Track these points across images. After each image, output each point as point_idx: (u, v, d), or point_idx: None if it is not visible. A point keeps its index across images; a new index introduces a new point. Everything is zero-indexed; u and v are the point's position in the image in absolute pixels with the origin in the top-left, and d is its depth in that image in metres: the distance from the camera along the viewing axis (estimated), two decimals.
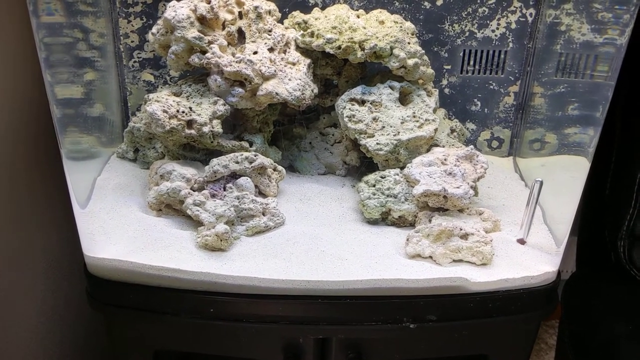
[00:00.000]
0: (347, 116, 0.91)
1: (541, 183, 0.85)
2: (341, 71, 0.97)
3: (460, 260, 0.83)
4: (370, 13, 0.95)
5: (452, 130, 0.99)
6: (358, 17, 0.95)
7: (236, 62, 0.84)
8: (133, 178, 0.90)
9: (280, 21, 0.94)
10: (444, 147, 0.95)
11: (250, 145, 0.90)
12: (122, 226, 0.83)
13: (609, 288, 1.18)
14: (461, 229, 0.83)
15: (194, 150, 0.88)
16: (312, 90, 0.91)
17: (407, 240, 0.84)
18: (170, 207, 0.84)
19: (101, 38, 0.96)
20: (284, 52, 0.91)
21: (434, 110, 0.94)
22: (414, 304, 0.80)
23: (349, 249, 0.83)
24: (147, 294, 0.79)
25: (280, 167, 0.90)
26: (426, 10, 1.03)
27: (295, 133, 1.00)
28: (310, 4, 1.01)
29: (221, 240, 0.79)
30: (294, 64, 0.91)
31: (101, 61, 0.97)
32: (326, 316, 0.81)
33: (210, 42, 0.83)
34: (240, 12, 0.88)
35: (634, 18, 0.80)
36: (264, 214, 0.84)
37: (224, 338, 0.84)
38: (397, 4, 1.03)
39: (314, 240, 0.84)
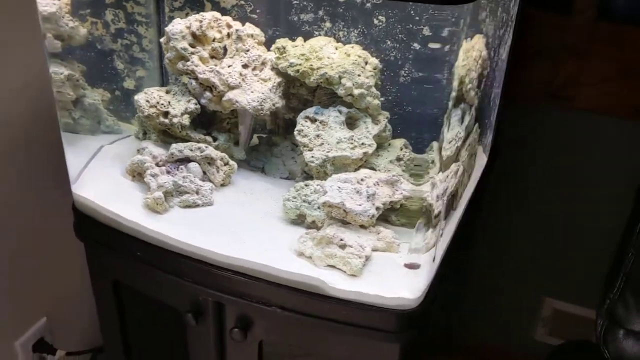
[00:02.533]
0: (297, 130, 1.07)
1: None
2: (315, 93, 1.13)
3: (334, 267, 0.94)
4: (345, 47, 1.10)
5: (399, 159, 1.08)
6: (337, 49, 1.10)
7: (208, 71, 1.06)
8: (131, 152, 1.16)
9: None
10: (379, 170, 1.06)
11: (214, 141, 1.11)
12: (103, 180, 1.10)
13: None
14: (341, 240, 0.95)
15: (172, 137, 1.11)
16: (274, 104, 1.09)
17: (297, 239, 0.97)
18: (140, 175, 1.08)
19: (150, 44, 1.24)
20: (260, 70, 1.10)
21: (376, 137, 1.05)
22: (280, 292, 0.94)
23: (254, 235, 1.00)
24: (106, 232, 1.05)
25: (232, 162, 1.10)
26: (415, 51, 1.13)
27: (273, 141, 1.18)
28: (315, 35, 1.18)
29: (157, 204, 1.02)
30: (265, 80, 1.09)
31: (149, 62, 1.26)
32: (215, 283, 0.98)
33: (192, 53, 1.06)
34: (228, 33, 1.09)
35: None
36: (197, 193, 1.04)
37: (148, 281, 1.07)
38: (388, 42, 1.14)
39: (230, 223, 1.02)
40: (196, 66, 1.06)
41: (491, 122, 1.33)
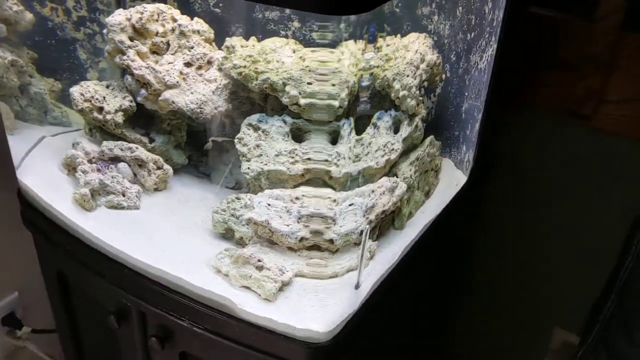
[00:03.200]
0: (237, 137, 1.01)
1: (367, 230, 0.86)
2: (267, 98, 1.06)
3: (249, 288, 0.89)
4: (303, 50, 1.03)
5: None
6: (294, 52, 1.03)
7: (145, 67, 1.00)
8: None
9: None
10: None
11: (151, 142, 1.06)
12: (40, 171, 1.07)
13: None
14: (259, 260, 0.89)
15: (109, 134, 1.06)
16: (216, 108, 1.03)
17: (216, 255, 0.92)
18: (74, 170, 1.04)
19: None
20: (206, 69, 1.04)
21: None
22: (192, 308, 0.90)
23: (175, 245, 0.95)
24: (45, 222, 1.03)
25: (167, 166, 1.05)
26: None
27: (225, 147, 1.12)
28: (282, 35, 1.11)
29: (84, 201, 0.98)
30: (209, 81, 1.03)
31: None
32: (135, 289, 0.95)
33: (129, 47, 1.01)
34: (173, 28, 1.03)
35: None
36: (123, 195, 1.00)
37: (79, 276, 1.05)
38: None
39: (153, 230, 0.98)
40: (132, 61, 1.00)
41: (468, 137, 1.21)
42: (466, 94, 1.15)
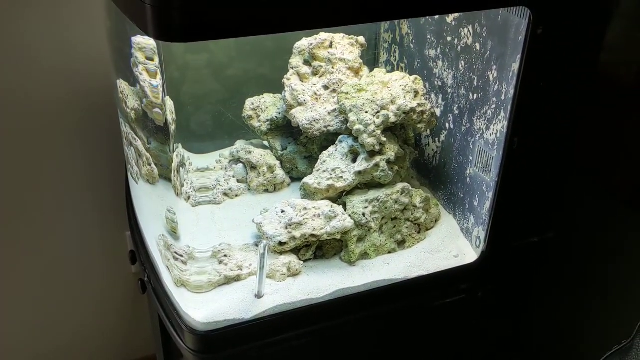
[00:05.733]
0: (323, 153, 1.02)
1: (266, 245, 0.80)
2: None
3: None
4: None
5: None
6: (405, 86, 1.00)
7: (288, 86, 1.11)
8: None
9: None
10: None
11: (282, 150, 1.15)
12: None
13: None
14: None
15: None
16: (326, 127, 1.05)
17: None
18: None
19: None
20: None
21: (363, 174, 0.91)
22: None
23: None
24: None
25: (279, 172, 1.13)
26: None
27: None
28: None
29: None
30: (335, 103, 1.06)
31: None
32: None
33: (292, 68, 1.13)
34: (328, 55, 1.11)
35: None
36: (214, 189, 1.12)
37: None
38: None
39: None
40: (287, 79, 1.12)
41: (477, 209, 1.01)
42: (470, 158, 1.02)
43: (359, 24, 0.75)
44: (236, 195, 1.12)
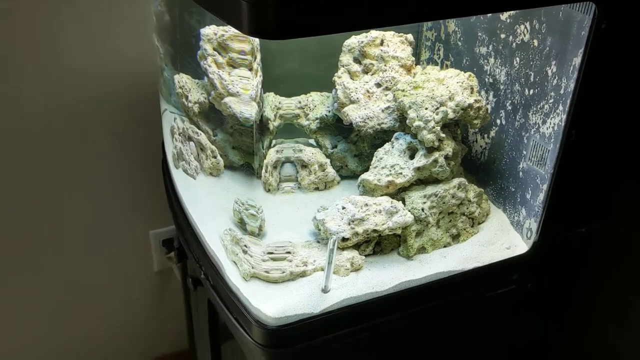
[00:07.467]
0: (378, 149, 1.03)
1: (335, 241, 0.81)
2: None
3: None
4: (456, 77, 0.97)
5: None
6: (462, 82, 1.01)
7: (339, 85, 1.11)
8: None
9: None
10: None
11: (332, 148, 1.16)
12: None
13: None
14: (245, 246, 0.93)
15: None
16: (379, 124, 1.05)
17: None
18: None
19: None
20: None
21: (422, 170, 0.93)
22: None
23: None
24: None
25: (330, 170, 1.13)
26: None
27: None
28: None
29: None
30: (390, 101, 1.07)
31: None
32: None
33: (342, 65, 1.14)
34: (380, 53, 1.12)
35: None
36: None
37: None
38: None
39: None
40: (338, 77, 1.13)
41: (529, 203, 1.02)
42: (524, 152, 1.03)
43: (429, 21, 0.76)
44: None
